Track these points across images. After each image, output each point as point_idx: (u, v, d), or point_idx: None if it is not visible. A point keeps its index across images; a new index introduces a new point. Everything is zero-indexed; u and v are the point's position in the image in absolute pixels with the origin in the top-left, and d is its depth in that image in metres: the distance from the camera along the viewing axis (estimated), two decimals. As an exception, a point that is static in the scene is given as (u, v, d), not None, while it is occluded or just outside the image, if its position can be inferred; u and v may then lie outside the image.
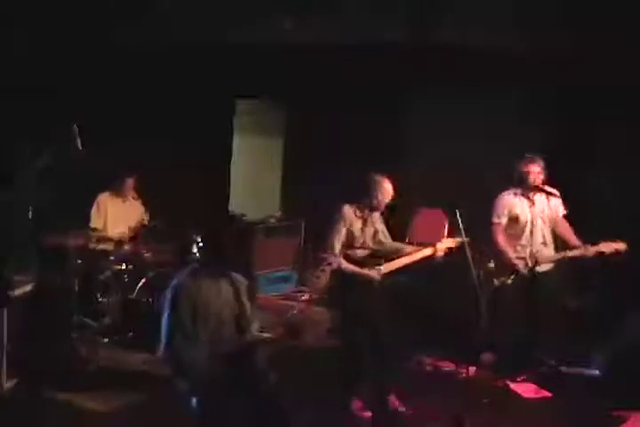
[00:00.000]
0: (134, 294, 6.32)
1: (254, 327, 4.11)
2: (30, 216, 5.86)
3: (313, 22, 6.61)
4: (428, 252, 5.27)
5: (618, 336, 5.77)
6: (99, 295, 6.41)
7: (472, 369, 5.43)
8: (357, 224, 5.15)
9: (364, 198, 5.16)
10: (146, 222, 6.90)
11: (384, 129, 8.11)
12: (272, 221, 8.50)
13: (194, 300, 3.95)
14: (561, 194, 5.81)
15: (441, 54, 6.63)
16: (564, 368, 5.77)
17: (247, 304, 4.09)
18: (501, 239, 5.81)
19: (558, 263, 5.82)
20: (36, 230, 5.99)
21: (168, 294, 3.99)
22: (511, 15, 6.43)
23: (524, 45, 6.41)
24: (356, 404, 5.12)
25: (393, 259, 5.20)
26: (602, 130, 7.21)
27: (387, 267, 5.16)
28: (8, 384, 5.16)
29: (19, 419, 4.86)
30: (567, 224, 5.92)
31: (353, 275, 5.05)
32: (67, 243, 6.14)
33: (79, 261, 6.26)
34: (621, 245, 5.54)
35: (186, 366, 3.92)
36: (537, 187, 5.82)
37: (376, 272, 5.11)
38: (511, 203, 5.89)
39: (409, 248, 5.38)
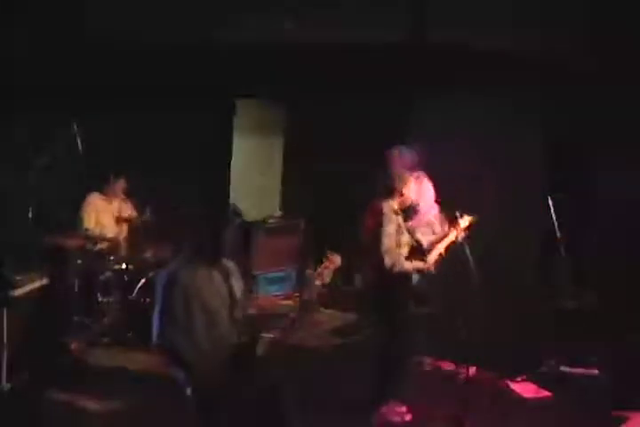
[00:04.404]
0: (134, 293, 6.33)
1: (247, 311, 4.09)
2: (30, 216, 5.87)
3: (313, 22, 6.61)
4: (452, 237, 5.10)
5: (617, 337, 5.78)
6: (99, 295, 6.41)
7: (472, 369, 5.44)
8: (400, 220, 5.00)
9: (395, 195, 5.05)
10: (135, 220, 6.88)
11: (384, 129, 8.10)
12: (272, 221, 8.49)
13: (186, 287, 3.92)
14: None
15: (441, 54, 6.63)
16: (564, 368, 5.78)
17: (239, 291, 4.07)
18: None
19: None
20: (36, 230, 5.99)
21: (160, 282, 3.97)
22: (511, 15, 6.43)
23: (524, 45, 6.41)
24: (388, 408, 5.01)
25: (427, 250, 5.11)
26: (602, 130, 7.20)
27: (430, 258, 5.05)
28: (8, 384, 5.16)
29: (19, 419, 4.85)
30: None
31: (406, 273, 4.96)
32: (66, 243, 6.15)
33: (79, 262, 6.27)
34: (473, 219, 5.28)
35: (179, 354, 3.89)
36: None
37: (427, 265, 5.02)
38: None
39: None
